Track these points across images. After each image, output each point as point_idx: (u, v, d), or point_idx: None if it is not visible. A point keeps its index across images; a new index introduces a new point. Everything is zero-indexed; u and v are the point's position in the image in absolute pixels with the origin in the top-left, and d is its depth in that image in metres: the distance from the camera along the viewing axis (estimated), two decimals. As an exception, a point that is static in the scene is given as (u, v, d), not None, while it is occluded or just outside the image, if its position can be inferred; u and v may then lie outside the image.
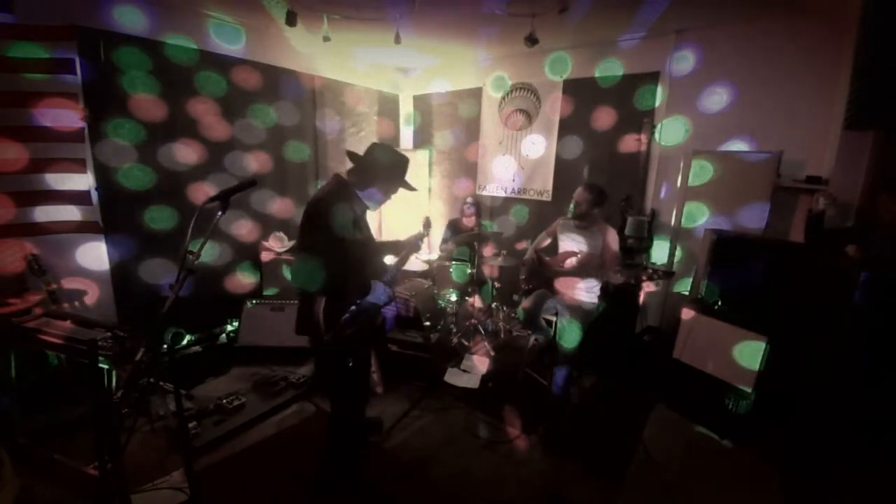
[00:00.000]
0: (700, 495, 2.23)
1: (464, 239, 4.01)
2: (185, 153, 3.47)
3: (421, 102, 5.40)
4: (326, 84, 4.51)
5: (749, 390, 2.51)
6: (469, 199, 4.52)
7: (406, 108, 5.53)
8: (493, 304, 4.14)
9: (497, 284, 4.13)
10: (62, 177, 2.89)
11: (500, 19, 3.19)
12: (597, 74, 3.96)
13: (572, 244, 2.93)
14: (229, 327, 3.68)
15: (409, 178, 2.04)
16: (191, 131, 3.49)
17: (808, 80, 3.03)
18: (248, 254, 3.98)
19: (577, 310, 2.76)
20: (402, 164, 1.99)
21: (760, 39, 3.18)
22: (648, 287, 3.37)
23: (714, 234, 2.89)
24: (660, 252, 3.71)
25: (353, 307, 1.88)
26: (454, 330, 3.82)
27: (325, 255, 1.75)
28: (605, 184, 3.96)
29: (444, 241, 4.45)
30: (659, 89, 3.65)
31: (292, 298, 3.73)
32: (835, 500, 2.14)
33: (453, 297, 3.83)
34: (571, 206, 2.88)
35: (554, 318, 2.76)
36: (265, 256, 3.96)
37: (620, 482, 2.29)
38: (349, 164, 2.01)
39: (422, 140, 5.47)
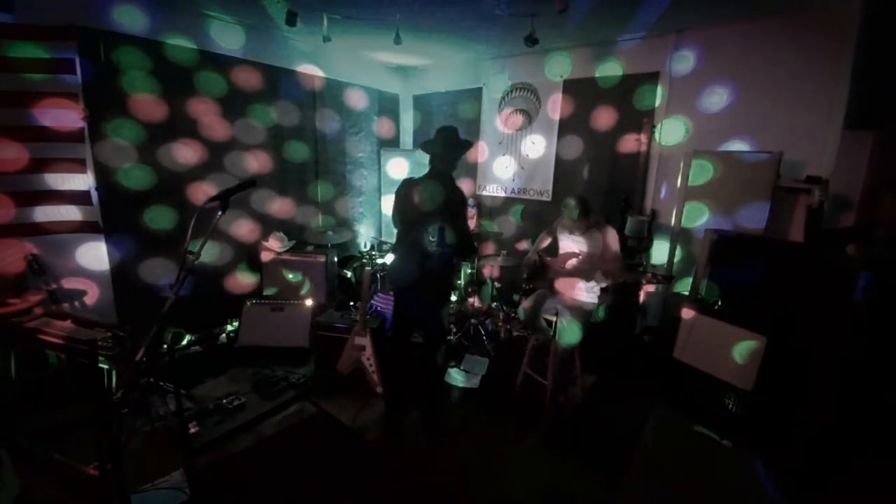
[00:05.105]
0: (700, 495, 2.22)
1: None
2: (185, 153, 3.48)
3: (421, 102, 5.40)
4: (326, 84, 4.51)
5: (749, 390, 2.51)
6: (469, 200, 4.51)
7: (406, 108, 5.53)
8: (493, 304, 4.14)
9: (497, 284, 4.13)
10: (62, 177, 2.90)
11: (500, 19, 3.19)
12: (597, 74, 3.96)
13: (573, 244, 2.94)
14: (229, 327, 3.68)
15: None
16: (191, 131, 3.49)
17: (808, 80, 3.03)
18: (248, 254, 3.98)
19: (577, 310, 2.76)
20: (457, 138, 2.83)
21: (761, 39, 3.17)
22: (648, 287, 3.37)
23: (714, 234, 2.89)
24: (660, 252, 3.70)
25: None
26: (454, 330, 3.82)
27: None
28: (605, 184, 4.00)
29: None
30: (659, 89, 3.64)
31: (292, 298, 3.76)
32: (835, 500, 2.14)
33: (453, 297, 3.83)
34: (562, 207, 2.95)
35: (554, 318, 2.77)
36: (265, 256, 3.96)
37: (620, 482, 2.29)
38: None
39: (422, 140, 5.46)
